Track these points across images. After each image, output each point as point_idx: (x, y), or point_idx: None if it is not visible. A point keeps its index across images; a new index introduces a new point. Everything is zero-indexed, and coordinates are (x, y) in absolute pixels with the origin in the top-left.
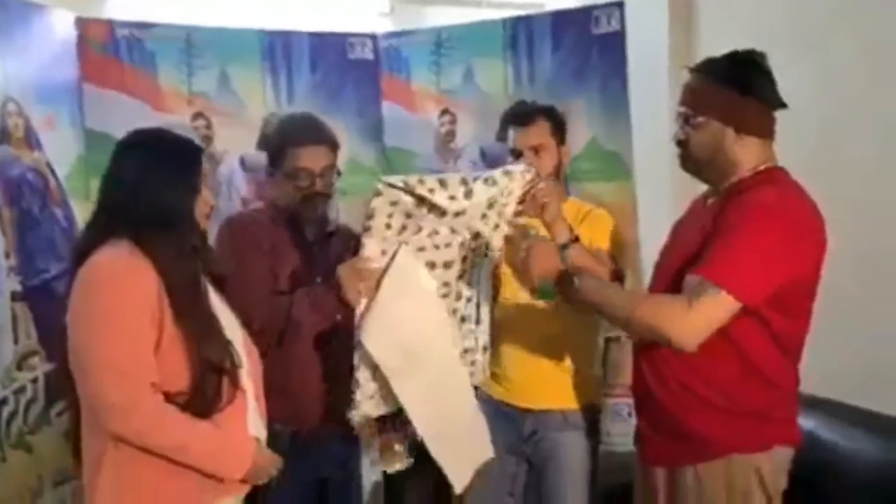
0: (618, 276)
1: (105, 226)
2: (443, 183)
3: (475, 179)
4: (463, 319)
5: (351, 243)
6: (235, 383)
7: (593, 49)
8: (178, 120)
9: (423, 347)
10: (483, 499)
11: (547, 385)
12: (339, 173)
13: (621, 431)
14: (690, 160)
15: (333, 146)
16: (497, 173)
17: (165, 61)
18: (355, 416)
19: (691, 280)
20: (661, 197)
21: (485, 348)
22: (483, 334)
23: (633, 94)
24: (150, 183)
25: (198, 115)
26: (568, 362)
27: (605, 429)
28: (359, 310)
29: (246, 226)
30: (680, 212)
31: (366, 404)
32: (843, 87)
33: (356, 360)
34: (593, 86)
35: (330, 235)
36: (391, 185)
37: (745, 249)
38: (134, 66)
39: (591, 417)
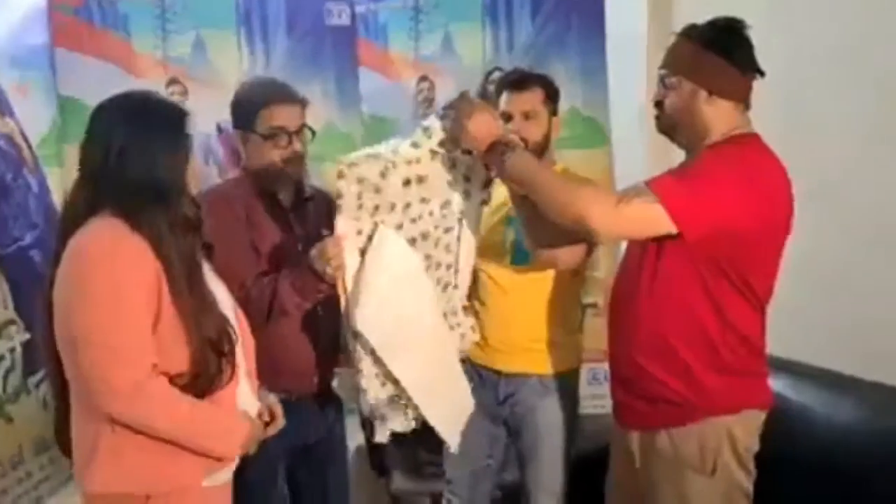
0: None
1: (90, 198)
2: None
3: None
4: (445, 287)
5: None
6: (233, 361)
7: (572, 15)
8: (152, 85)
9: (412, 321)
10: (463, 461)
11: (524, 350)
12: (313, 133)
13: (598, 395)
14: (665, 121)
15: (304, 105)
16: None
17: (139, 25)
18: (345, 395)
19: (633, 185)
20: (638, 165)
21: (464, 309)
22: (459, 297)
23: (611, 62)
24: (139, 150)
25: (173, 81)
26: (546, 328)
27: (581, 393)
28: (342, 296)
29: (224, 199)
30: None
31: (372, 388)
32: (817, 57)
33: (352, 347)
34: (572, 52)
35: (306, 201)
36: (352, 164)
37: (696, 182)
38: (107, 29)
39: (569, 383)
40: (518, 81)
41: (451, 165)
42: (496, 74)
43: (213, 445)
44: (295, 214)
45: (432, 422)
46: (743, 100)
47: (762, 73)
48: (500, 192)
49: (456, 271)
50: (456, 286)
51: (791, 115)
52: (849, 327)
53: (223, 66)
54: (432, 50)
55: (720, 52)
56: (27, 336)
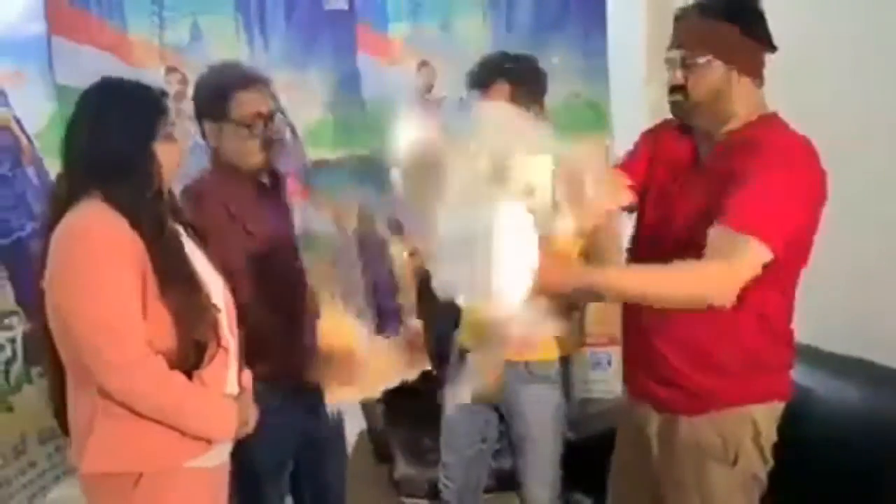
0: None
1: (73, 184)
2: None
3: None
4: None
5: None
6: (218, 341)
7: None
8: (150, 74)
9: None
10: (456, 446)
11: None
12: (283, 113)
13: (601, 379)
14: (688, 105)
15: (270, 87)
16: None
17: (135, 13)
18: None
19: (719, 234)
20: None
21: None
22: None
23: (612, 46)
24: (106, 130)
25: (171, 69)
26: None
27: (585, 377)
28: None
29: (211, 193)
30: None
31: None
32: (837, 29)
33: None
34: (573, 36)
35: (279, 178)
36: None
37: (769, 195)
38: (103, 18)
39: (558, 369)
40: (480, 79)
41: None
42: None
43: (204, 427)
44: (276, 193)
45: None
46: (761, 77)
47: (775, 49)
48: None
49: None
50: None
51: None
52: (863, 311)
53: (221, 53)
54: (432, 34)
55: (745, 28)
56: (28, 326)
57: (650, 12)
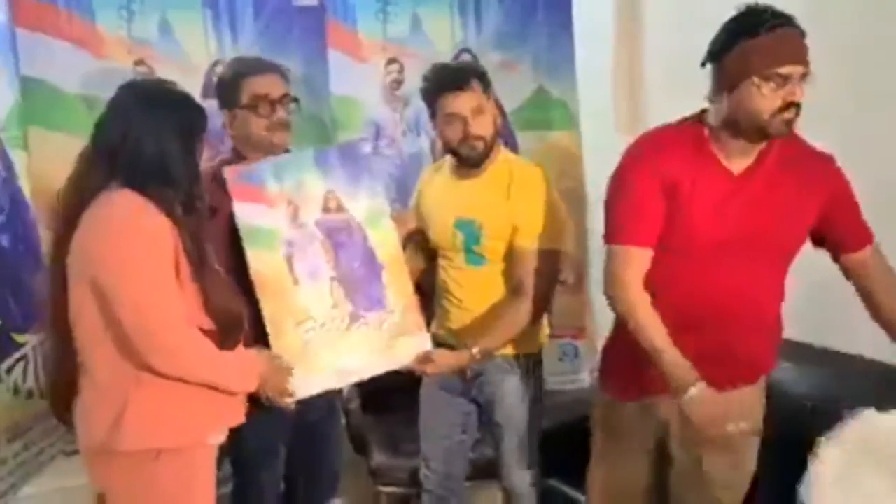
0: (552, 265)
1: (105, 173)
2: None
3: None
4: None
5: None
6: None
7: None
8: (119, 67)
9: None
10: (437, 438)
11: (484, 334)
12: (296, 100)
13: (567, 371)
14: (795, 121)
15: (285, 76)
16: None
17: (103, 6)
18: None
19: (870, 251)
20: (607, 147)
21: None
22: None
23: (579, 44)
24: (157, 136)
25: (139, 63)
26: (504, 313)
27: (552, 368)
28: None
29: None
30: None
31: None
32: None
33: None
34: (540, 34)
35: None
36: None
37: None
38: (70, 10)
39: (531, 363)
40: (458, 79)
41: None
42: (465, 57)
43: (237, 381)
44: None
45: None
46: None
47: None
48: (444, 190)
49: None
50: None
51: None
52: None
53: (190, 48)
54: (401, 32)
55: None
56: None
57: (617, 10)
